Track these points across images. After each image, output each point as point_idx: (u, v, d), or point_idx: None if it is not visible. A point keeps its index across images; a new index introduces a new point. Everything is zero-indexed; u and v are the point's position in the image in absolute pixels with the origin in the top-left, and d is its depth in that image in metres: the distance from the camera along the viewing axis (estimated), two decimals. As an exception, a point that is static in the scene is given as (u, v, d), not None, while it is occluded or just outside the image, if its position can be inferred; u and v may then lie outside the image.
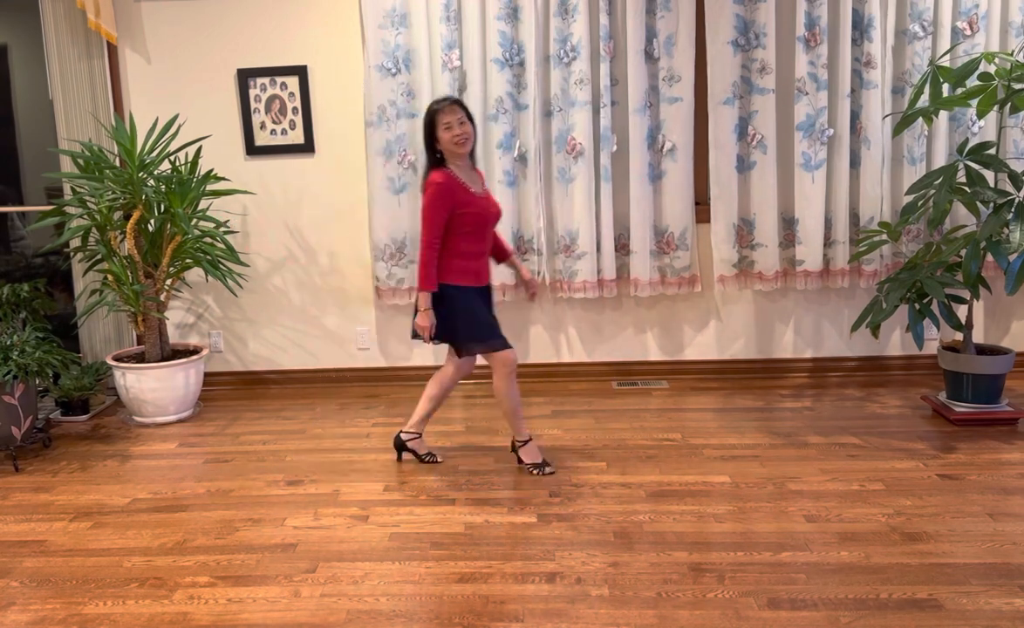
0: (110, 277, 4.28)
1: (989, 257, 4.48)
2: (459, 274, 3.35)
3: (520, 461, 3.54)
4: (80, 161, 4.29)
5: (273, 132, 4.70)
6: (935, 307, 4.35)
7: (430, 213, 3.25)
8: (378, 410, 4.43)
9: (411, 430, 3.65)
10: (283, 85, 4.65)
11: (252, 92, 4.65)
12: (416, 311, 3.36)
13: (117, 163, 4.51)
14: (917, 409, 4.12)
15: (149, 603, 2.59)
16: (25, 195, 4.98)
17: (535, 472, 3.47)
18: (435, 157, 3.35)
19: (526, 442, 3.52)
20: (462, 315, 3.36)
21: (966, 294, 4.35)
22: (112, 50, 4.63)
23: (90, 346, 4.81)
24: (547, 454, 3.66)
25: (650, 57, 4.47)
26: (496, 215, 3.44)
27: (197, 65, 4.67)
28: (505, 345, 3.38)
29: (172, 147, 4.67)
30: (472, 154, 3.43)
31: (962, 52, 4.32)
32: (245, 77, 4.64)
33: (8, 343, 3.83)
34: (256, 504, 3.29)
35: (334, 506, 3.24)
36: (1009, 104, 3.70)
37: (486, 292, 3.49)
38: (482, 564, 2.75)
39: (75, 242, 4.70)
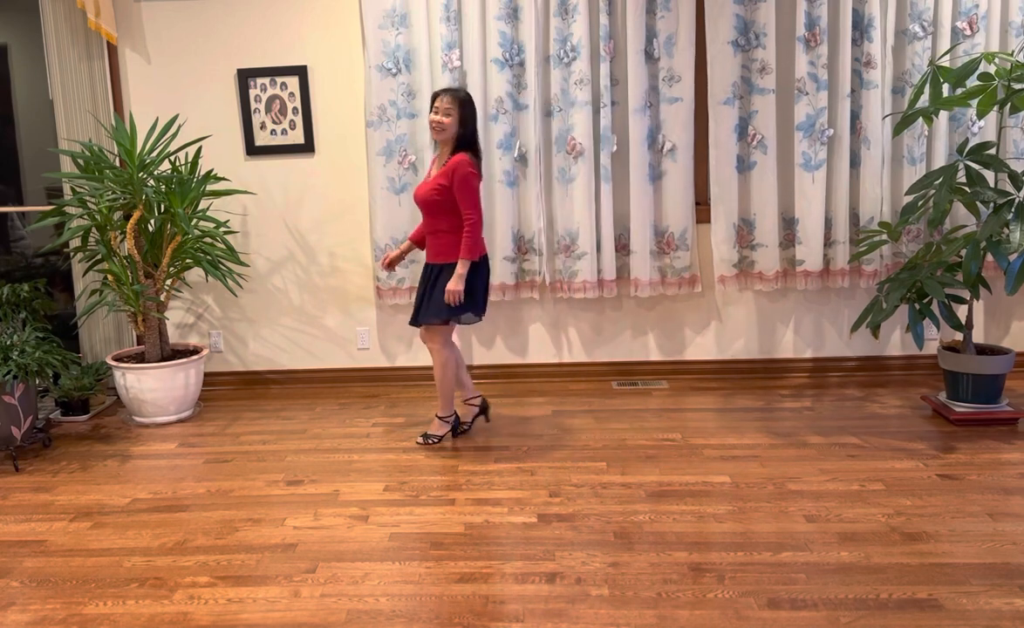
0: (110, 277, 4.28)
1: (989, 257, 4.48)
2: None
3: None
4: (80, 161, 4.29)
5: (273, 132, 4.70)
6: (935, 307, 4.36)
7: None
8: (378, 410, 4.43)
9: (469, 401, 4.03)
10: (283, 85, 4.65)
11: (252, 92, 4.65)
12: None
13: (117, 163, 4.51)
14: (917, 409, 4.12)
15: (149, 603, 2.59)
16: (25, 195, 4.99)
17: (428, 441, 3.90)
18: None
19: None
20: None
21: (966, 294, 4.35)
22: (112, 50, 4.63)
23: (90, 346, 4.81)
24: (546, 454, 3.67)
25: (650, 57, 4.47)
26: (416, 197, 3.72)
27: (197, 65, 4.67)
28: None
29: (172, 147, 4.67)
30: (456, 142, 3.62)
31: (962, 52, 4.32)
32: (245, 77, 4.64)
33: (8, 343, 3.83)
34: (256, 504, 3.29)
35: (334, 506, 3.25)
36: (1009, 104, 3.70)
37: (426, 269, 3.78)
38: (482, 564, 2.75)
39: (75, 242, 4.70)
